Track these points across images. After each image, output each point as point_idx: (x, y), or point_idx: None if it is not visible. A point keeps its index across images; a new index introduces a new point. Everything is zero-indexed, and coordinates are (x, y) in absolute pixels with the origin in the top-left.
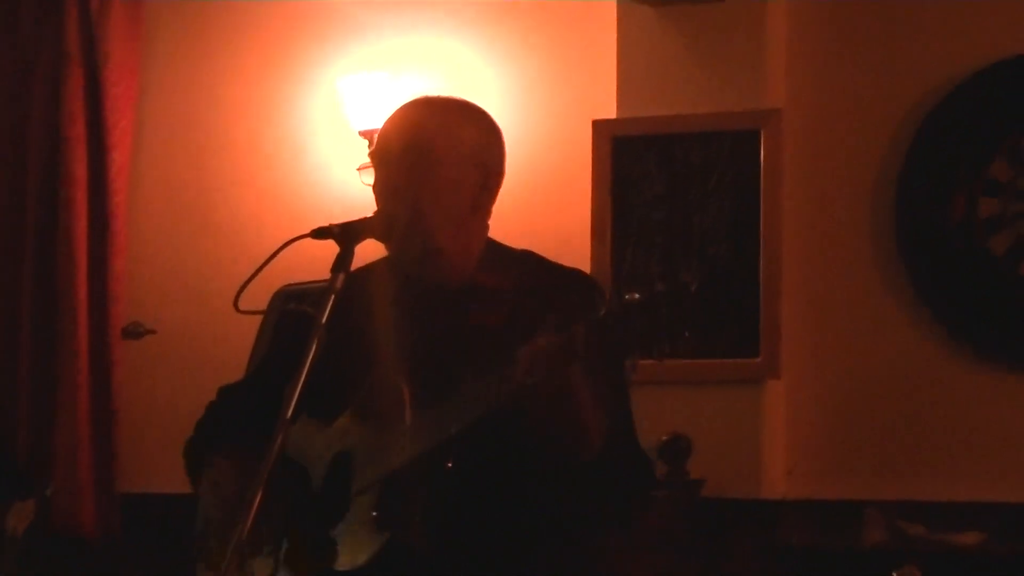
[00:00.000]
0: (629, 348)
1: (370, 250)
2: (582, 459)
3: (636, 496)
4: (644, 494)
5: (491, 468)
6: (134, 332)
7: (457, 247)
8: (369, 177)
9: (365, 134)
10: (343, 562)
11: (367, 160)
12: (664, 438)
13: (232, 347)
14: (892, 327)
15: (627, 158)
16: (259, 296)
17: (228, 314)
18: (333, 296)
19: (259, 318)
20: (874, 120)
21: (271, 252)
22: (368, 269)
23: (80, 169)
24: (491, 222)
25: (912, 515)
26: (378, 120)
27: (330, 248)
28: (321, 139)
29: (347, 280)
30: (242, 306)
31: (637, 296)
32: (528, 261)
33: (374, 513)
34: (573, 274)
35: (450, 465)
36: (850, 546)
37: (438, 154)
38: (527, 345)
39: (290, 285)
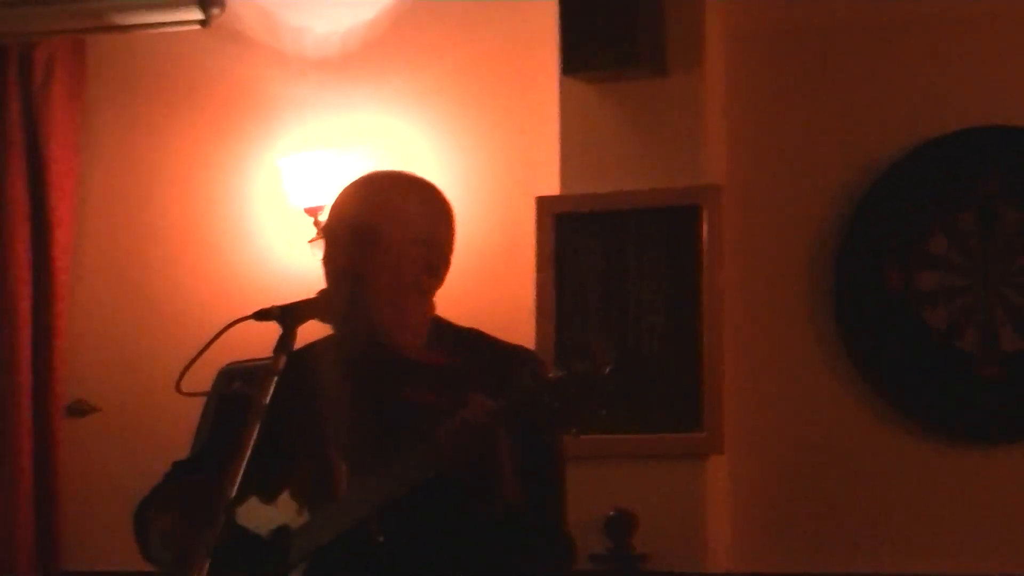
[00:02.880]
0: (547, 424)
1: (316, 328)
2: (494, 509)
3: (548, 567)
4: (557, 568)
5: (420, 542)
6: (78, 410)
7: (401, 326)
8: (320, 251)
9: (310, 211)
10: None
11: (313, 235)
12: (610, 514)
13: (177, 425)
14: (832, 401)
15: (570, 234)
16: (204, 374)
17: (173, 392)
18: (274, 379)
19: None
20: (813, 195)
21: (215, 330)
22: (313, 346)
23: (22, 249)
24: (437, 298)
25: None
26: (321, 198)
27: (275, 324)
28: (263, 218)
29: (292, 358)
30: (186, 386)
31: (557, 376)
32: (473, 339)
33: None
34: (515, 351)
35: (382, 540)
36: None
37: (378, 235)
38: (450, 418)
39: (234, 364)
